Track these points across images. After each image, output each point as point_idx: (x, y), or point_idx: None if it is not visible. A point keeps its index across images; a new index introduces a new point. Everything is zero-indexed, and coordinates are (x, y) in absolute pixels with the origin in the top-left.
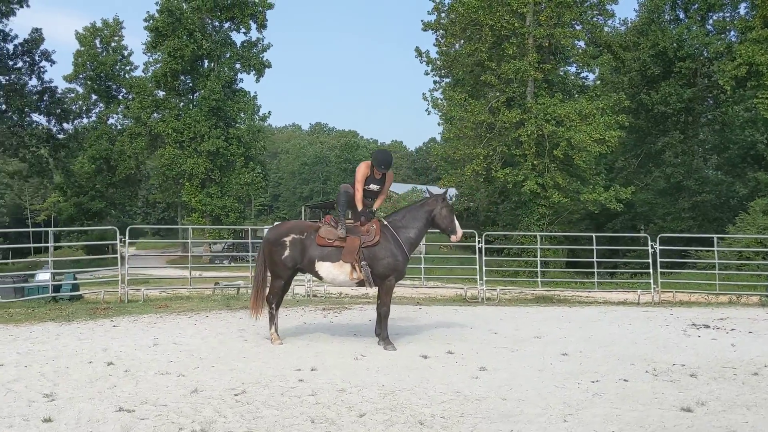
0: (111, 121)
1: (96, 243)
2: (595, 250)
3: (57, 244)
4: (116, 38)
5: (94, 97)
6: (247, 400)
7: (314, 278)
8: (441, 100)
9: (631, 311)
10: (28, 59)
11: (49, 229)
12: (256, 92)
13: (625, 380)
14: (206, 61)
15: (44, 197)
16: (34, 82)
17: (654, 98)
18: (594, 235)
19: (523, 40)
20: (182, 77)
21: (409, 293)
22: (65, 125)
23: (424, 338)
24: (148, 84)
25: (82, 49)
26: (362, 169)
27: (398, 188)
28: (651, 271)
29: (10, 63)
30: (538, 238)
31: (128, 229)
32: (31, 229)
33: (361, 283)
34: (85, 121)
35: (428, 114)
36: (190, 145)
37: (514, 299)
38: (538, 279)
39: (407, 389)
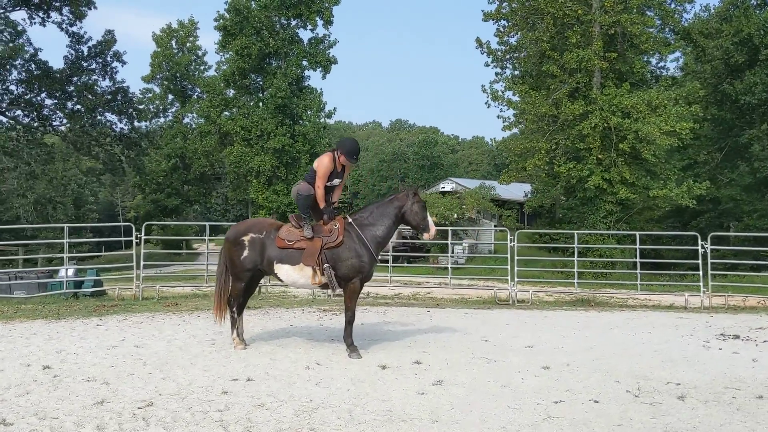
0: (186, 120)
1: (176, 238)
2: (638, 250)
3: (147, 237)
4: (191, 39)
5: (170, 97)
6: (145, 415)
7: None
8: (501, 92)
9: (665, 317)
10: (101, 60)
11: (127, 224)
12: (321, 89)
13: (595, 401)
14: (273, 59)
15: (134, 195)
16: (107, 83)
17: (738, 88)
18: (637, 233)
19: (588, 28)
20: (252, 75)
21: (440, 294)
22: (136, 124)
23: (401, 346)
24: (218, 83)
25: (159, 50)
26: (326, 164)
27: (469, 183)
28: (701, 272)
29: (84, 65)
30: (576, 237)
31: (207, 225)
32: (102, 224)
33: (325, 286)
34: (161, 120)
35: (488, 107)
36: (257, 143)
37: (549, 302)
38: (575, 280)
39: (333, 406)
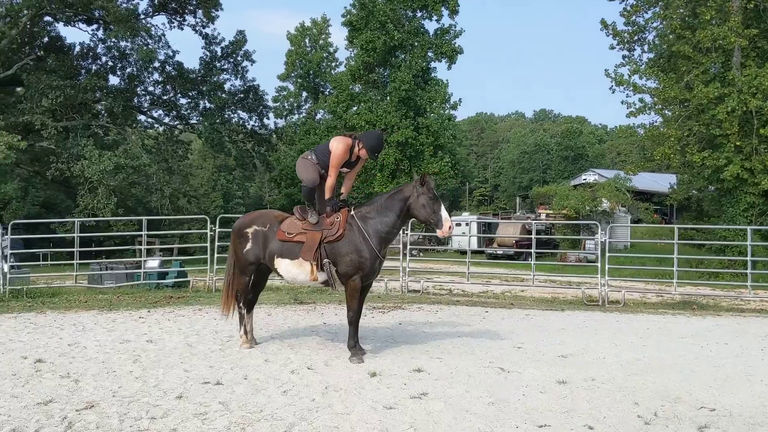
0: (318, 116)
1: None
2: (750, 247)
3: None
4: (323, 36)
5: (304, 94)
6: (74, 419)
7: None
8: (626, 76)
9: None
10: (232, 60)
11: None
12: (447, 80)
13: (589, 427)
14: (398, 52)
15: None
16: (238, 82)
17: None
18: (748, 228)
19: (725, 3)
20: (377, 69)
21: (537, 293)
22: (266, 121)
23: (416, 351)
24: (345, 78)
25: (293, 48)
26: (341, 151)
27: (612, 175)
28: None
29: (217, 65)
30: (676, 232)
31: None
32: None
33: (327, 284)
34: (295, 117)
35: (612, 92)
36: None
37: (648, 303)
38: (674, 280)
39: (278, 419)
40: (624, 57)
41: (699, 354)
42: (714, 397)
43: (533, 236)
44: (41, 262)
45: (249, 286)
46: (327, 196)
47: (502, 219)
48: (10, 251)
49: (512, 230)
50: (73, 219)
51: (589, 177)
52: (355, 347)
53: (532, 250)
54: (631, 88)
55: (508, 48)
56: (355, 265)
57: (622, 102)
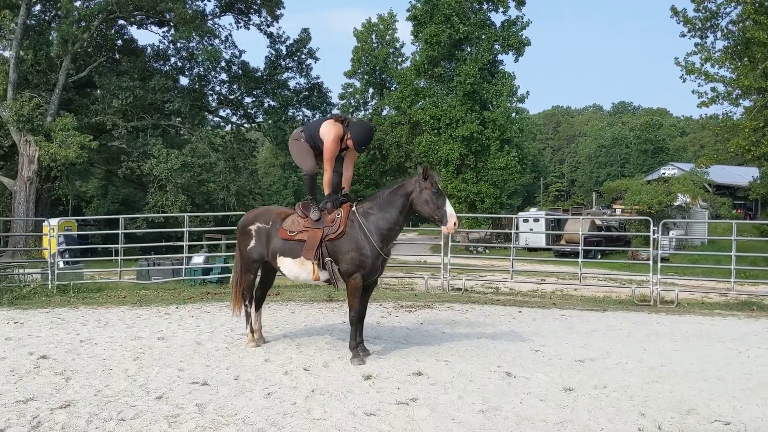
0: (384, 112)
1: None
2: None
3: None
4: (390, 32)
5: (371, 90)
6: (44, 419)
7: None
8: (698, 64)
9: None
10: (296, 58)
11: None
12: (514, 72)
13: None
14: (464, 45)
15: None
16: (303, 80)
17: None
18: None
19: None
20: (443, 63)
21: (591, 292)
22: None
23: (424, 353)
24: (410, 74)
25: (359, 45)
26: (332, 144)
27: (688, 167)
28: None
29: (282, 63)
30: (734, 228)
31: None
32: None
33: (329, 282)
34: (361, 113)
35: (683, 81)
36: (446, 131)
37: (706, 303)
38: (731, 279)
39: (249, 424)
40: (696, 45)
41: (733, 360)
42: (734, 409)
43: (585, 234)
44: (112, 257)
45: (254, 284)
46: (327, 191)
47: (572, 215)
48: (66, 247)
49: (581, 226)
50: (117, 216)
51: (668, 171)
52: (356, 348)
53: (592, 248)
54: (703, 76)
55: (585, 39)
56: (356, 263)
57: (693, 91)
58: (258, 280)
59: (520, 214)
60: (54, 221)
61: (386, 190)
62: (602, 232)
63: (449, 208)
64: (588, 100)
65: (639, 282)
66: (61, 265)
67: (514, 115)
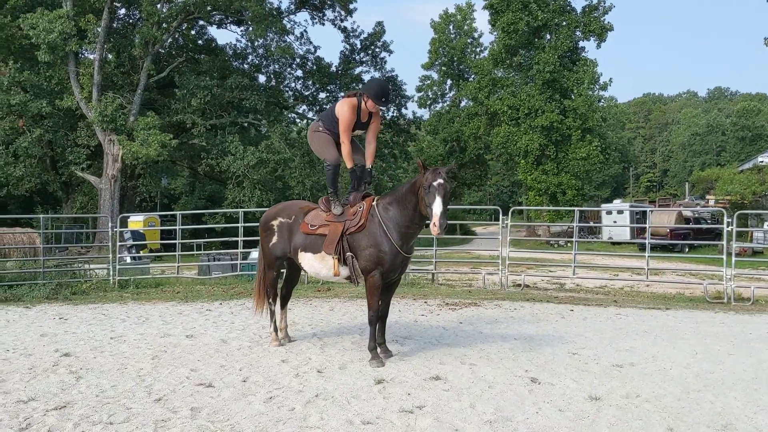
0: (463, 103)
1: None
2: None
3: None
4: (467, 22)
5: (449, 82)
6: (34, 420)
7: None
8: None
9: None
10: (370, 52)
11: None
12: (595, 59)
13: None
14: (543, 33)
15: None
16: (377, 74)
17: None
18: None
19: None
20: (521, 52)
21: (663, 289)
22: (403, 111)
23: (450, 355)
24: (487, 63)
25: (436, 36)
26: (348, 114)
27: None
28: None
29: (356, 57)
30: None
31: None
32: None
33: (350, 279)
34: (439, 105)
35: None
36: (525, 121)
37: None
38: None
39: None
40: None
41: None
42: None
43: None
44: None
45: (277, 282)
46: (348, 165)
47: (659, 206)
48: (132, 242)
49: (667, 218)
50: (177, 212)
51: (766, 159)
52: (375, 349)
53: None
54: None
55: (677, 22)
56: (374, 260)
57: None
58: (283, 277)
59: (603, 206)
60: (139, 217)
61: (405, 185)
62: (690, 225)
63: (437, 207)
64: (681, 87)
65: (713, 277)
66: (128, 260)
67: (600, 103)
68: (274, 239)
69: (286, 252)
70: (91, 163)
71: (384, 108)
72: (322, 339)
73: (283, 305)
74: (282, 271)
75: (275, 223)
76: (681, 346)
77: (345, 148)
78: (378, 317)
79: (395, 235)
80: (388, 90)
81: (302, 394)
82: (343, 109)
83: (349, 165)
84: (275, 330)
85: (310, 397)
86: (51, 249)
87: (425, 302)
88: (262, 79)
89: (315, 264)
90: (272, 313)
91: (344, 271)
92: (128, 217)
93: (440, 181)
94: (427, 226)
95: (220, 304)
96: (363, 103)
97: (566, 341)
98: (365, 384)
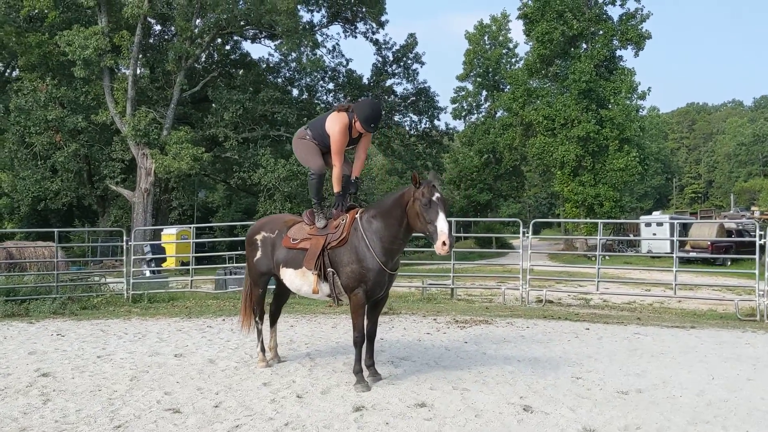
0: (498, 114)
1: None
2: None
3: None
4: (502, 32)
5: (484, 93)
6: None
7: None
8: None
9: None
10: (402, 64)
11: None
12: (633, 68)
13: None
14: (579, 42)
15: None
16: (410, 85)
17: None
18: None
19: None
20: (557, 62)
21: (694, 305)
22: (436, 122)
23: (444, 380)
24: (522, 74)
25: (471, 47)
26: (339, 136)
27: None
28: None
29: (389, 70)
30: None
31: (532, 223)
32: None
33: (331, 297)
34: (474, 117)
35: None
36: (561, 132)
37: None
38: None
39: None
40: None
41: None
42: None
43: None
44: (226, 265)
45: (263, 299)
46: (336, 189)
47: (701, 218)
48: (152, 256)
49: (707, 231)
50: (193, 225)
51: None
52: (361, 372)
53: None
54: None
55: (723, 31)
56: (356, 277)
57: None
58: (268, 293)
59: (641, 218)
60: (172, 230)
61: (390, 197)
62: (732, 237)
63: (442, 223)
64: (726, 96)
65: (751, 292)
66: (147, 273)
67: (640, 112)
68: (258, 254)
69: (270, 268)
70: (126, 176)
71: (371, 133)
72: (314, 359)
73: (272, 323)
74: (270, 287)
75: (258, 237)
76: (697, 370)
77: (336, 171)
78: (364, 338)
79: (378, 251)
80: (379, 115)
81: (272, 422)
82: (335, 129)
83: (335, 189)
84: (262, 350)
85: (278, 426)
86: (66, 263)
87: (434, 319)
88: (294, 92)
89: (296, 280)
90: (259, 332)
91: (325, 288)
92: (161, 229)
93: (439, 195)
94: (411, 239)
95: (223, 320)
96: (353, 123)
97: (572, 364)
98: (342, 411)
